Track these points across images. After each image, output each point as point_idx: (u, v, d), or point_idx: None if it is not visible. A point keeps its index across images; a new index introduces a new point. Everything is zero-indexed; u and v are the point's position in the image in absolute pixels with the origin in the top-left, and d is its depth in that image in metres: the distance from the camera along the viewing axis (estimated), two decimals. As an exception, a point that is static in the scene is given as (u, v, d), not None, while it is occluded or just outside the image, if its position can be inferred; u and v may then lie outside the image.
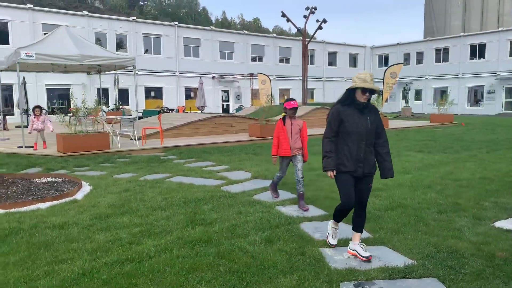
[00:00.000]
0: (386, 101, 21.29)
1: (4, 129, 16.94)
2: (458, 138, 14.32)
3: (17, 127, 19.88)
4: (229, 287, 3.10)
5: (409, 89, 39.15)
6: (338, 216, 3.84)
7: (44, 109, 12.07)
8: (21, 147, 11.29)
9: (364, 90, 3.49)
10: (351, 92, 3.57)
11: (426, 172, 7.72)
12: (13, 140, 13.35)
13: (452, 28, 61.98)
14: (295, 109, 5.27)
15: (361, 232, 3.76)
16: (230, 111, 34.40)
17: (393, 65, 21.83)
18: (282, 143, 5.40)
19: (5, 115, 17.71)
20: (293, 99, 5.36)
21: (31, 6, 26.97)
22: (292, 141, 5.36)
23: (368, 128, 3.55)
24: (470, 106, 37.69)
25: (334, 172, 3.59)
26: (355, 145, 3.54)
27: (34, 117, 10.84)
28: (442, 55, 39.51)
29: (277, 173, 5.77)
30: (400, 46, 43.17)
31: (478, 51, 37.06)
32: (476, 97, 37.81)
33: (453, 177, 7.18)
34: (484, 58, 36.52)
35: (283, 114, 5.41)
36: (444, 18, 64.15)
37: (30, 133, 10.94)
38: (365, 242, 4.03)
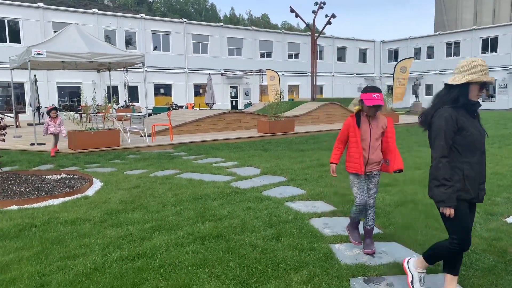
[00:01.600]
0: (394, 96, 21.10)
1: (17, 126, 17.17)
2: (470, 133, 14.14)
3: (29, 124, 20.14)
4: (239, 282, 3.12)
5: (420, 84, 38.75)
6: (451, 263, 2.80)
7: (61, 109, 10.70)
8: (33, 144, 11.44)
9: (483, 85, 2.65)
10: (464, 88, 2.65)
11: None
12: (25, 138, 13.53)
13: (464, 21, 61.10)
14: (378, 107, 3.44)
15: (457, 274, 2.85)
16: (239, 108, 34.43)
17: (403, 59, 21.63)
18: (353, 152, 3.54)
19: (17, 113, 17.95)
20: (374, 89, 3.45)
21: (42, 4, 27.23)
22: (370, 152, 3.52)
23: (485, 136, 2.74)
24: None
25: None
26: (480, 160, 2.68)
27: (51, 120, 9.86)
28: (453, 49, 39.05)
29: (355, 200, 3.65)
30: (410, 40, 42.75)
31: (490, 45, 36.54)
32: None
33: (465, 173, 7.09)
34: (496, 51, 36.01)
35: (357, 108, 3.58)
36: (455, 11, 63.27)
37: (46, 134, 9.97)
38: (375, 237, 4.03)
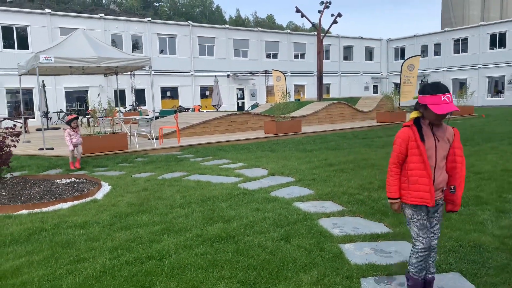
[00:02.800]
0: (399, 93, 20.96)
1: (26, 132, 17.34)
2: (479, 130, 14.01)
3: (38, 129, 20.32)
4: (249, 283, 3.10)
5: (427, 82, 38.48)
6: None
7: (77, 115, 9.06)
8: (42, 149, 11.53)
9: None
10: None
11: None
12: (34, 143, 13.65)
13: (471, 17, 60.58)
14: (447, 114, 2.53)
15: None
16: (245, 109, 34.44)
17: (410, 57, 21.48)
18: (417, 176, 2.61)
19: (26, 118, 18.13)
20: (441, 88, 2.51)
21: (49, 11, 27.50)
22: (436, 173, 2.63)
23: None
24: (491, 97, 36.81)
25: None
26: None
27: (72, 130, 8.78)
28: (461, 45, 38.66)
29: (415, 245, 2.71)
30: (417, 38, 42.42)
31: (498, 41, 36.13)
32: (496, 87, 36.90)
33: (474, 170, 7.02)
34: (504, 47, 35.58)
35: (414, 114, 2.65)
36: (462, 8, 62.76)
37: (72, 150, 8.84)
38: (385, 237, 3.99)
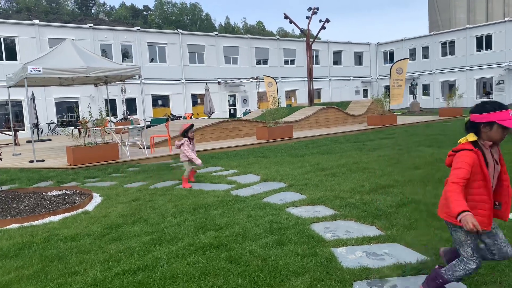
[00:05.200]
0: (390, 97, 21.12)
1: (16, 144, 17.16)
2: (469, 131, 14.14)
3: (28, 141, 20.13)
4: (241, 291, 3.08)
5: (416, 84, 38.87)
6: None
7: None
8: (32, 161, 11.42)
9: None
10: None
11: (437, 167, 7.63)
12: (24, 155, 13.51)
13: (458, 21, 61.46)
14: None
15: None
16: (237, 115, 34.47)
17: (399, 61, 21.69)
18: (478, 201, 2.51)
19: (15, 131, 17.95)
20: (502, 104, 2.53)
21: (37, 21, 27.37)
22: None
23: None
24: (480, 98, 37.25)
25: None
26: None
27: (190, 142, 7.43)
28: (448, 48, 39.15)
29: (468, 264, 2.57)
30: (405, 41, 42.89)
31: (484, 43, 36.65)
32: (485, 89, 37.37)
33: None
34: (491, 49, 36.10)
35: (472, 137, 2.62)
36: (448, 11, 63.66)
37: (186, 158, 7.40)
38: (377, 239, 4.00)
